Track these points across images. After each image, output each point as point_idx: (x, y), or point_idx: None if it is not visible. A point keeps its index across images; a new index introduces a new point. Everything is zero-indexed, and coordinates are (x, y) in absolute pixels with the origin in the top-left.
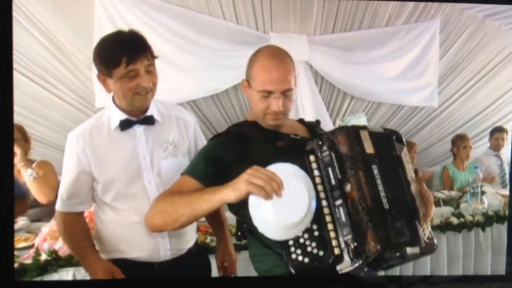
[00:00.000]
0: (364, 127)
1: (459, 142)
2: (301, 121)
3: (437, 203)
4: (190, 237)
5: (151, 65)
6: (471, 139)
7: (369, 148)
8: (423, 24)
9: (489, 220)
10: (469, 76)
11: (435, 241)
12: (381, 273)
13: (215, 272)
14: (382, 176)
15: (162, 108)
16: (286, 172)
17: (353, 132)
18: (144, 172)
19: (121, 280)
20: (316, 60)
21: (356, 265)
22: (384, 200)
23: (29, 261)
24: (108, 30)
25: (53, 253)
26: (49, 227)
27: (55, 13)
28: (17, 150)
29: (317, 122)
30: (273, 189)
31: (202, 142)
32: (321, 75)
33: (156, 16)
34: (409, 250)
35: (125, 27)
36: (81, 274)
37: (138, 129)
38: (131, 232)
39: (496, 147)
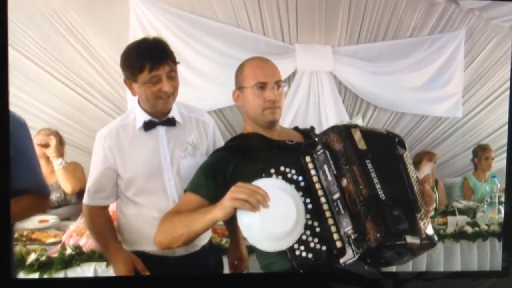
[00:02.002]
0: (355, 126)
1: (481, 153)
2: (296, 128)
3: (453, 213)
4: (204, 234)
5: (172, 71)
6: (495, 151)
7: (361, 144)
8: (448, 34)
9: None
10: (494, 87)
11: (436, 237)
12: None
13: (226, 271)
14: (377, 170)
15: (183, 110)
16: (272, 185)
17: (344, 130)
18: (165, 170)
19: (121, 278)
20: (340, 71)
21: (358, 255)
22: (380, 192)
23: (56, 255)
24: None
25: (77, 248)
26: (76, 225)
27: (92, 24)
28: (51, 141)
29: (312, 128)
30: (257, 200)
31: (220, 143)
32: (345, 86)
33: (187, 28)
34: (409, 238)
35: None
36: (101, 268)
37: (161, 130)
38: (149, 226)
39: None
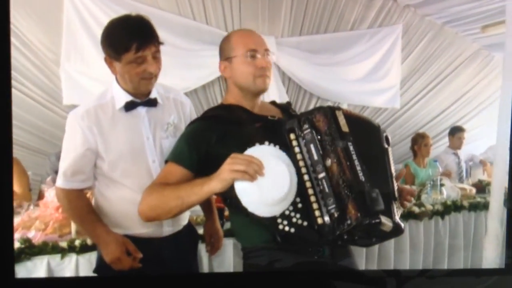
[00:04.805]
0: (338, 108)
1: (421, 140)
2: (273, 103)
3: None
4: (187, 213)
5: (157, 52)
6: (432, 139)
7: (344, 127)
8: (386, 29)
9: (447, 209)
10: (429, 79)
11: (402, 224)
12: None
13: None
14: (358, 153)
15: (161, 90)
16: (264, 153)
17: (330, 112)
18: (148, 151)
19: (121, 277)
20: (283, 61)
21: (338, 232)
22: (360, 174)
23: None
24: (78, 26)
25: (26, 241)
26: (20, 218)
27: (22, 8)
28: None
29: (288, 104)
30: (254, 170)
31: None
32: (288, 76)
33: (124, 13)
34: (383, 219)
35: (94, 25)
36: (56, 261)
37: (142, 110)
38: (134, 208)
39: (459, 145)
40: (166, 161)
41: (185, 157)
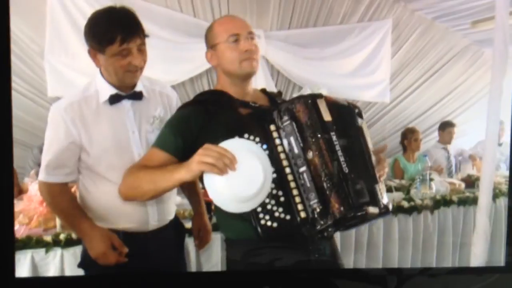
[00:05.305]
0: (320, 95)
1: (410, 135)
2: (263, 91)
3: (389, 190)
4: (174, 208)
5: (143, 44)
6: (422, 133)
7: (326, 116)
8: (376, 23)
9: (437, 204)
10: (419, 74)
11: (390, 204)
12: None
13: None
14: (341, 142)
15: (146, 83)
16: (240, 147)
17: (311, 101)
18: (134, 145)
19: (126, 276)
20: (272, 55)
21: (322, 227)
22: (344, 165)
23: None
24: (62, 17)
25: None
26: None
27: None
28: None
29: (279, 93)
30: (224, 164)
31: None
32: (277, 70)
33: (110, 4)
34: (370, 209)
35: (79, 16)
36: (40, 256)
37: (126, 103)
38: (122, 204)
39: (448, 140)
40: (152, 146)
41: (170, 142)
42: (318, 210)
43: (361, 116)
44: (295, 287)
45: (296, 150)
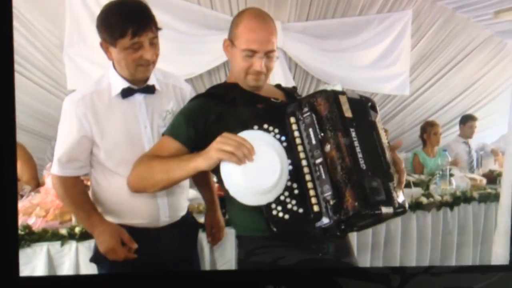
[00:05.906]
0: (342, 92)
1: (430, 129)
2: (278, 86)
3: (408, 185)
4: (186, 204)
5: (155, 38)
6: (442, 127)
7: (347, 112)
8: (395, 14)
9: (456, 200)
10: (439, 65)
11: (406, 204)
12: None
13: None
14: (359, 139)
15: (160, 77)
16: (258, 138)
17: (332, 96)
18: (145, 140)
19: (123, 275)
20: (290, 47)
21: (334, 222)
22: (362, 161)
23: None
24: (81, 10)
25: (26, 228)
26: (21, 204)
27: None
28: None
29: (294, 88)
30: (243, 154)
31: None
32: (295, 62)
33: None
34: (384, 209)
35: (97, 9)
36: (55, 249)
37: (139, 97)
38: (132, 199)
39: (470, 134)
40: (163, 135)
41: (182, 132)
42: (331, 202)
43: (375, 109)
44: (299, 286)
45: (314, 141)
